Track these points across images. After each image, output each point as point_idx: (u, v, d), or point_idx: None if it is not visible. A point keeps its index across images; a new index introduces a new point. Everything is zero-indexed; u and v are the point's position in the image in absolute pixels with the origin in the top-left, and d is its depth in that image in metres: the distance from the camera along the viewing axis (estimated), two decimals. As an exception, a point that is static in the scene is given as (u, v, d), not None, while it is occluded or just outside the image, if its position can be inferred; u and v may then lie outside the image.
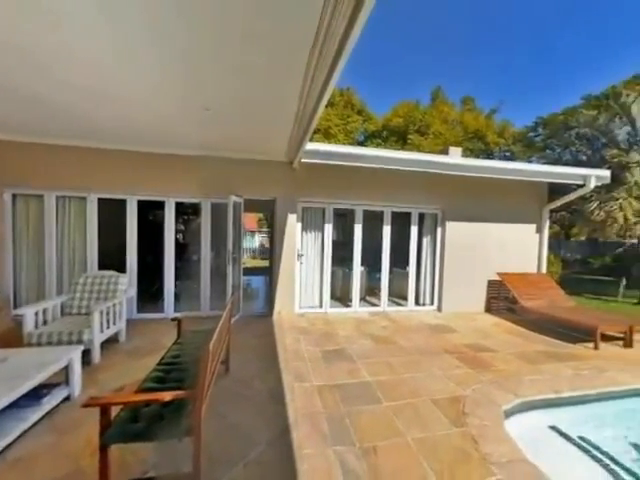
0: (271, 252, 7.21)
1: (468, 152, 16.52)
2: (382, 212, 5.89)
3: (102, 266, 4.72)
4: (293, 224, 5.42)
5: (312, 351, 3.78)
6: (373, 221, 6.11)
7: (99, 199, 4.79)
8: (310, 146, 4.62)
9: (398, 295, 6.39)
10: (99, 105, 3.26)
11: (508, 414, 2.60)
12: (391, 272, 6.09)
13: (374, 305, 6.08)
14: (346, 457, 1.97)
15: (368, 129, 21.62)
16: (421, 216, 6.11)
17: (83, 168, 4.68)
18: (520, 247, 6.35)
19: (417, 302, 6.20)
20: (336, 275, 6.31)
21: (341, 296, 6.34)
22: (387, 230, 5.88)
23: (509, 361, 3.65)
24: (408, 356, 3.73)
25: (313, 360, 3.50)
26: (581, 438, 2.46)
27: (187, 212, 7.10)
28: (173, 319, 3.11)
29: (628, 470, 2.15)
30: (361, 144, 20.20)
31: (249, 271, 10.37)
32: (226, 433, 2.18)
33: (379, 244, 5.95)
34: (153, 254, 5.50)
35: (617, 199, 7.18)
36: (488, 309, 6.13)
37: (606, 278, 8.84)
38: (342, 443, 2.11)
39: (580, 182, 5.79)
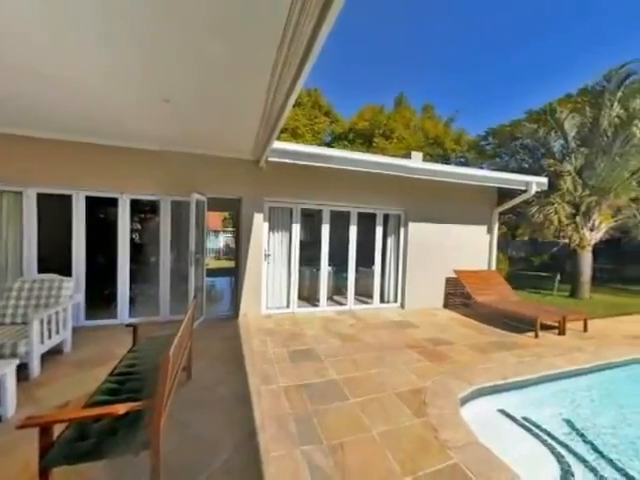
0: (237, 252, 7.00)
1: (428, 157, 17.49)
2: (349, 213, 6.02)
3: (43, 269, 4.22)
4: (260, 224, 5.32)
5: (279, 352, 3.74)
6: (340, 221, 6.22)
7: (39, 194, 4.29)
8: (277, 145, 4.57)
9: (364, 293, 6.57)
10: (37, 87, 2.90)
11: (463, 401, 2.80)
12: (357, 271, 6.24)
13: (341, 304, 6.19)
14: (314, 456, 1.98)
15: (335, 131, 21.96)
16: (385, 217, 6.35)
17: (19, 159, 4.15)
18: (473, 246, 6.87)
19: (382, 300, 6.43)
20: (304, 275, 6.32)
21: (309, 296, 6.36)
22: (353, 230, 6.02)
23: (464, 352, 3.93)
24: (374, 352, 3.85)
25: (280, 361, 3.47)
26: (524, 418, 2.73)
27: (144, 210, 6.62)
28: (128, 325, 2.88)
29: (561, 443, 2.43)
30: (328, 145, 20.45)
31: (213, 272, 9.97)
32: (188, 443, 2.07)
33: (346, 244, 6.07)
34: (105, 255, 5.05)
35: (553, 204, 8.10)
36: (446, 304, 6.55)
37: (544, 274, 9.91)
38: (310, 442, 2.12)
39: (523, 188, 6.43)
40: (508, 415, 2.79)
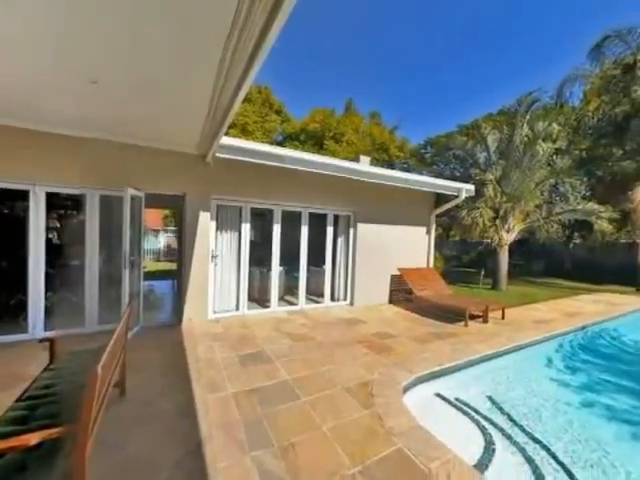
0: (180, 253, 6.51)
1: (375, 161, 18.50)
2: (300, 213, 6.04)
3: None
4: (206, 223, 5.02)
5: (228, 357, 3.57)
6: (291, 221, 6.20)
7: None
8: (227, 141, 4.37)
9: (315, 293, 6.65)
10: None
11: (406, 389, 3.03)
12: (309, 271, 6.30)
13: (293, 304, 6.17)
14: (264, 460, 1.94)
15: (286, 130, 21.86)
16: (336, 217, 6.53)
17: None
18: (415, 246, 7.47)
19: (332, 298, 6.60)
20: (254, 276, 6.15)
21: (259, 297, 6.21)
22: (305, 230, 6.06)
23: (406, 344, 4.25)
24: (325, 350, 3.93)
25: (229, 366, 3.32)
26: (456, 399, 3.06)
27: (66, 206, 5.71)
28: (42, 340, 2.46)
29: (485, 417, 2.79)
30: (280, 144, 20.23)
31: (152, 276, 9.09)
32: (122, 467, 1.85)
33: (297, 244, 6.08)
34: (10, 258, 4.25)
35: (478, 208, 9.26)
36: (391, 300, 7.00)
37: (472, 270, 11.27)
38: (260, 447, 2.07)
39: (455, 193, 7.21)
40: (443, 398, 3.10)
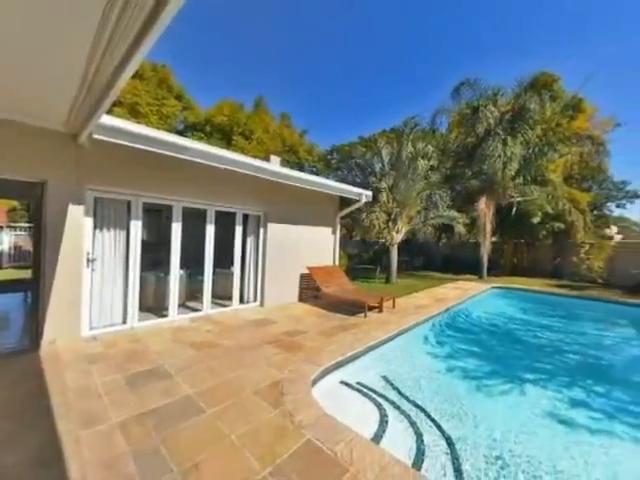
0: (37, 257, 5.06)
1: (285, 162, 18.75)
2: (206, 211, 5.57)
3: None
4: (79, 219, 4.06)
5: (112, 380, 2.98)
6: (195, 220, 5.66)
7: None
8: (110, 121, 3.64)
9: (223, 296, 6.25)
10: None
11: (314, 382, 3.18)
12: (215, 273, 5.86)
13: (196, 310, 5.63)
14: (161, 491, 1.71)
15: (188, 119, 19.82)
16: (245, 217, 6.30)
17: None
18: (322, 245, 7.93)
19: (242, 300, 6.34)
20: (147, 282, 5.33)
21: (155, 306, 5.41)
22: (211, 230, 5.61)
23: (315, 339, 4.47)
24: (232, 355, 3.74)
25: (113, 391, 2.77)
26: (358, 383, 3.41)
27: None
28: None
29: (380, 395, 3.20)
30: (181, 133, 18.18)
31: (-11, 288, 6.72)
32: None
33: (202, 244, 5.58)
34: None
35: (375, 212, 10.57)
36: (301, 298, 7.22)
37: (370, 266, 12.72)
38: (156, 476, 1.81)
39: (357, 198, 8.01)
40: (347, 384, 3.40)
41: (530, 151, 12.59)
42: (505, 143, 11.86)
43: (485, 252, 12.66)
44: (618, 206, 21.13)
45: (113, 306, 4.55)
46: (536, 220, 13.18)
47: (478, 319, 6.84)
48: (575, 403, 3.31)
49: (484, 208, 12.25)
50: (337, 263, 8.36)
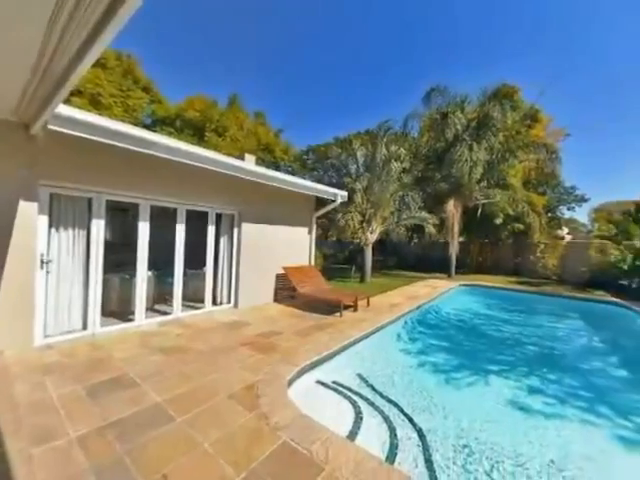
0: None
1: (260, 161, 18.46)
2: (176, 209, 5.33)
3: None
4: (30, 216, 3.72)
5: (70, 392, 2.76)
6: (165, 219, 5.40)
7: None
8: (67, 111, 3.37)
9: (194, 298, 6.02)
10: None
11: (290, 383, 3.16)
12: (186, 274, 5.63)
13: (166, 313, 5.37)
14: (127, 506, 1.61)
15: (157, 112, 18.87)
16: (218, 216, 6.11)
17: None
18: (298, 245, 7.90)
19: (215, 302, 6.14)
20: (111, 284, 5.01)
21: (119, 310, 5.09)
22: (181, 229, 5.38)
23: (291, 339, 4.44)
24: (205, 360, 3.61)
25: (70, 404, 2.57)
26: (334, 382, 3.44)
27: None
28: None
29: (355, 392, 3.25)
30: (149, 128, 17.26)
31: None
32: None
33: (172, 244, 5.33)
34: None
35: (350, 212, 10.72)
36: (276, 299, 7.15)
37: (345, 266, 12.88)
38: (121, 492, 1.70)
39: (333, 198, 8.07)
40: (323, 383, 3.41)
41: (493, 157, 13.44)
42: (471, 149, 12.54)
43: (453, 251, 13.30)
44: (569, 209, 23.18)
45: (71, 311, 4.21)
46: (499, 221, 14.08)
47: (447, 315, 7.18)
48: (532, 390, 3.58)
49: (452, 210, 12.87)
50: (313, 263, 8.38)
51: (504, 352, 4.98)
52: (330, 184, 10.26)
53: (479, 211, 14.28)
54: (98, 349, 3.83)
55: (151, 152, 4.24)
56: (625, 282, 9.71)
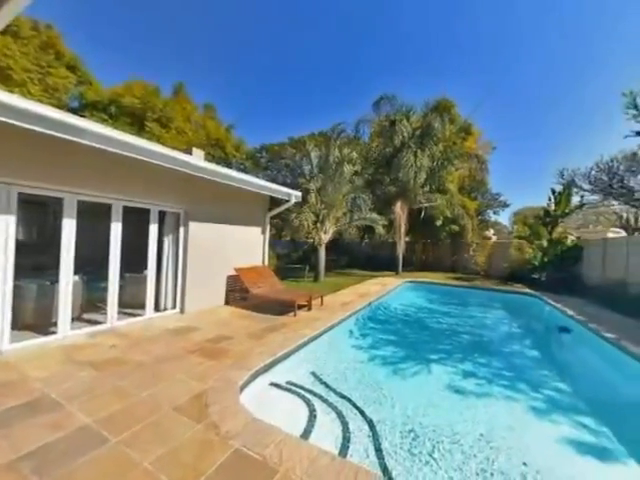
0: None
1: (210, 157, 17.47)
2: (110, 205, 4.76)
3: None
4: None
5: (-33, 424, 2.28)
6: (96, 216, 4.79)
7: None
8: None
9: (133, 304, 5.44)
10: None
11: (242, 388, 3.05)
12: (123, 278, 5.07)
13: (97, 323, 4.76)
14: None
15: (86, 96, 16.66)
16: (162, 214, 5.62)
17: None
18: (251, 245, 7.67)
19: (157, 308, 5.63)
20: (26, 292, 4.28)
21: (37, 322, 4.36)
22: (117, 228, 4.82)
23: (243, 343, 4.29)
24: (145, 372, 3.29)
25: (-31, 438, 2.13)
26: (288, 382, 3.41)
27: None
28: None
29: (309, 391, 3.27)
30: (75, 112, 15.15)
31: None
32: None
33: (106, 245, 4.75)
34: None
35: (304, 212, 10.77)
36: (227, 301, 6.84)
37: (299, 266, 12.90)
38: (38, 534, 1.46)
39: (287, 198, 8.01)
40: (277, 385, 3.37)
41: (434, 164, 14.73)
42: (416, 155, 13.57)
43: (400, 250, 14.23)
44: (494, 213, 26.52)
45: (-31, 326, 3.48)
46: (438, 223, 15.46)
47: (394, 311, 7.65)
48: (466, 374, 4.01)
49: (399, 211, 13.77)
50: (267, 263, 8.22)
51: (443, 342, 5.48)
52: (284, 184, 10.18)
53: (422, 213, 15.51)
54: (8, 370, 3.23)
55: (76, 139, 3.71)
56: (537, 276, 11.43)
